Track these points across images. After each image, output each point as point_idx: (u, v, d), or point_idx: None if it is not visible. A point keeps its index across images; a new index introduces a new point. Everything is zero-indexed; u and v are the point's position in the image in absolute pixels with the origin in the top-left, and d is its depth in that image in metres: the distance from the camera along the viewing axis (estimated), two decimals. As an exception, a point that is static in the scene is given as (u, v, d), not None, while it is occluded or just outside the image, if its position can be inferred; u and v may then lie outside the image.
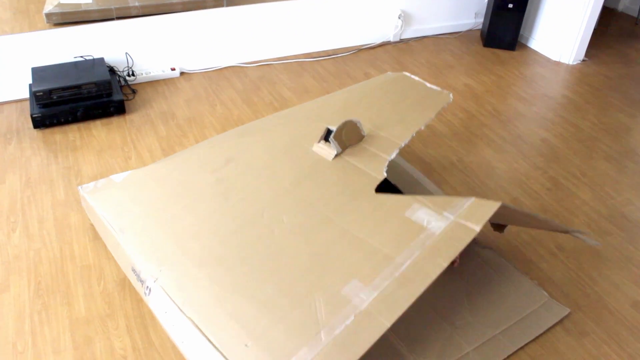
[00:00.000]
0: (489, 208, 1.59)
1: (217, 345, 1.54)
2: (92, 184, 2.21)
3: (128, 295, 1.94)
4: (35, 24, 2.92)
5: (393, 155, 1.90)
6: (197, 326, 1.59)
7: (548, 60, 3.81)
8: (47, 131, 2.79)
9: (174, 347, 1.78)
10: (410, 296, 1.47)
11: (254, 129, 2.27)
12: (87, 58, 3.06)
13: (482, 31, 4.09)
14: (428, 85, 2.23)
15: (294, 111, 2.33)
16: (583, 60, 3.81)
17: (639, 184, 2.61)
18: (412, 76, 2.30)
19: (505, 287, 2.01)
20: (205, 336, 1.57)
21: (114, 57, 3.18)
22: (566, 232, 1.90)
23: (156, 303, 1.72)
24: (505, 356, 1.79)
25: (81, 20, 3.00)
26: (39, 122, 2.77)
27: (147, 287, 1.76)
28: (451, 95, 2.12)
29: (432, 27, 4.07)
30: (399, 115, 2.09)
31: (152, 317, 1.86)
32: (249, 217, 1.83)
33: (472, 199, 1.64)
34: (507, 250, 2.20)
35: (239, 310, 1.58)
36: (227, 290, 1.64)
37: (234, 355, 1.50)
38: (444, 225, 1.61)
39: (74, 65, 2.96)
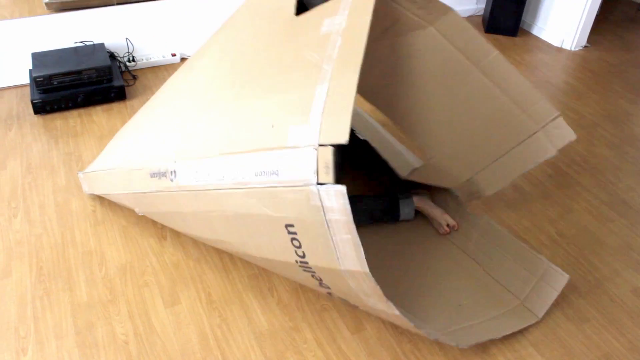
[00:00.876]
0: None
1: (253, 148, 1.52)
2: (88, 167, 2.22)
3: (129, 281, 1.95)
4: (35, 9, 2.90)
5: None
6: (227, 153, 1.58)
7: (550, 46, 3.79)
8: (48, 117, 2.78)
9: (175, 332, 1.79)
10: None
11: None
12: (88, 43, 3.05)
13: (483, 17, 4.06)
14: None
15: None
16: (585, 47, 3.80)
17: (640, 171, 2.61)
18: None
19: (506, 259, 2.02)
20: (240, 152, 1.55)
21: (115, 42, 3.16)
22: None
23: (185, 176, 1.71)
24: (512, 331, 1.81)
25: (81, 7, 2.98)
26: (40, 108, 2.76)
27: (172, 172, 1.76)
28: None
29: (434, 12, 4.04)
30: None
31: (154, 303, 1.87)
32: (220, 58, 1.82)
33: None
34: (508, 237, 2.21)
35: (250, 113, 1.56)
36: (232, 110, 1.63)
37: (270, 142, 1.48)
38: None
39: (74, 50, 2.95)
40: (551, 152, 1.97)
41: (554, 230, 2.25)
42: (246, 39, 1.80)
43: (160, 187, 1.84)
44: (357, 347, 1.77)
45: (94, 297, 1.89)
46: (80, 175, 2.20)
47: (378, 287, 1.44)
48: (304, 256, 1.51)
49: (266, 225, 1.54)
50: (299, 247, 1.50)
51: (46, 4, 2.90)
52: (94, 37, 3.09)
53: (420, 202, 2.17)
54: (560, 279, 1.92)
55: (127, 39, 3.17)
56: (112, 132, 2.68)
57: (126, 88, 3.02)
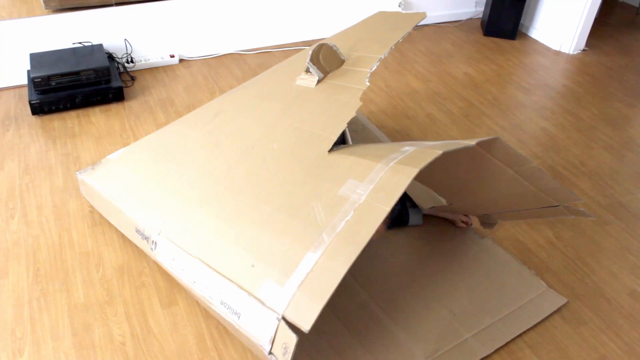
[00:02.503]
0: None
1: (225, 274, 1.57)
2: (89, 167, 2.21)
3: (127, 282, 1.94)
4: (34, 9, 2.90)
5: (374, 67, 1.94)
6: (205, 262, 1.62)
7: (548, 49, 3.80)
8: (46, 118, 2.78)
9: (172, 333, 1.78)
10: (406, 179, 1.45)
11: (240, 86, 2.31)
12: (86, 44, 3.04)
13: (482, 20, 4.07)
14: (403, 12, 2.27)
15: (278, 66, 2.35)
16: (583, 50, 3.80)
17: (638, 174, 2.61)
18: (388, 11, 2.34)
19: (504, 276, 2.02)
20: (214, 269, 1.60)
21: (113, 43, 3.16)
22: (556, 205, 1.85)
23: (163, 254, 1.75)
24: (503, 343, 1.80)
25: (80, 6, 2.98)
26: (38, 109, 2.76)
27: (153, 241, 1.79)
28: (426, 13, 2.16)
29: (433, 15, 4.05)
30: (375, 38, 2.13)
31: (151, 304, 1.87)
32: (241, 154, 1.86)
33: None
34: (506, 239, 2.21)
35: (241, 236, 1.61)
36: (227, 222, 1.67)
37: (243, 279, 1.53)
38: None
39: (73, 51, 2.95)
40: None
41: (551, 232, 2.25)
42: (270, 149, 1.83)
43: (142, 246, 1.90)
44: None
45: (91, 298, 1.89)
46: (79, 175, 2.19)
47: None
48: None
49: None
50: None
51: (45, 1, 2.89)
52: (92, 38, 3.09)
53: (431, 209, 2.20)
54: (557, 301, 1.95)
55: (125, 40, 3.17)
56: (110, 133, 2.68)
57: (124, 89, 3.02)
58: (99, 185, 2.09)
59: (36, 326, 1.79)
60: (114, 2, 3.03)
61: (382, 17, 2.31)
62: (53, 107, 2.78)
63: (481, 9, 4.21)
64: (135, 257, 2.04)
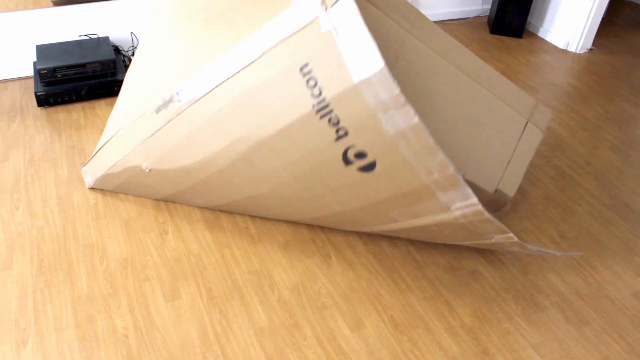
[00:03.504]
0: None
1: (254, 30, 1.58)
2: (89, 159, 2.23)
3: (130, 275, 1.95)
4: (40, 1, 2.90)
5: None
6: (229, 48, 1.64)
7: (555, 48, 3.78)
8: (51, 109, 2.78)
9: (175, 326, 1.79)
10: None
11: None
12: (92, 37, 3.05)
13: (489, 18, 4.05)
14: None
15: None
16: (590, 49, 3.79)
17: (643, 175, 2.61)
18: None
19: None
20: (240, 42, 1.61)
21: (119, 36, 3.16)
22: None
23: (192, 89, 1.75)
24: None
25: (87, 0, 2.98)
26: (43, 101, 2.76)
27: (177, 92, 1.80)
28: None
29: (439, 12, 4.04)
30: None
31: (154, 297, 1.87)
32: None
33: None
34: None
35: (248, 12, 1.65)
36: (229, 19, 1.70)
37: (273, 15, 1.54)
38: None
39: (79, 43, 2.95)
40: (540, 134, 2.12)
41: (555, 232, 2.25)
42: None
43: (169, 116, 1.84)
44: (357, 345, 1.77)
45: (95, 290, 1.89)
46: (83, 169, 2.20)
47: (400, 94, 1.37)
48: (320, 94, 1.47)
49: (281, 81, 1.53)
50: (315, 85, 1.47)
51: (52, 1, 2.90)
52: (98, 31, 3.09)
53: None
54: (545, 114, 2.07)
55: (131, 33, 3.17)
56: (115, 126, 2.69)
57: (130, 82, 3.02)
58: (100, 143, 2.12)
59: (40, 317, 1.80)
60: (120, -5, 3.03)
61: None
62: (59, 99, 2.79)
63: (488, 6, 4.20)
64: (139, 250, 2.04)
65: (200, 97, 1.72)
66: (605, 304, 1.97)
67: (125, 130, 2.02)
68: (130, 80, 2.06)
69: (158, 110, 1.86)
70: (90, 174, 2.26)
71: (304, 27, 1.44)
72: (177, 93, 1.78)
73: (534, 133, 2.10)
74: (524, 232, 2.23)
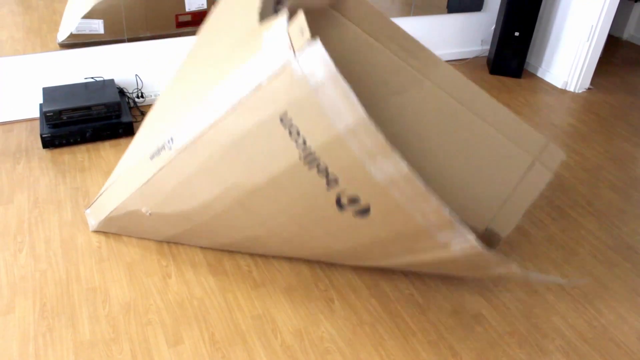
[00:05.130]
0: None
1: (231, 69, 1.62)
2: (93, 201, 2.25)
3: (133, 319, 1.94)
4: (47, 44, 2.95)
5: None
6: (210, 90, 1.66)
7: (554, 88, 3.83)
8: (56, 151, 2.81)
9: (178, 372, 1.78)
10: None
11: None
12: (98, 79, 3.09)
13: (488, 58, 4.11)
14: None
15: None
16: (589, 89, 3.83)
17: (644, 215, 2.62)
18: None
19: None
20: (219, 82, 1.64)
21: (124, 78, 3.21)
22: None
23: (181, 137, 1.78)
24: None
25: (93, 41, 3.03)
26: (48, 142, 2.79)
27: (169, 140, 1.82)
28: None
29: (439, 53, 4.10)
30: None
31: (157, 342, 1.86)
32: (205, 47, 1.93)
33: None
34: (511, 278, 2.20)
35: (224, 58, 1.70)
36: (209, 70, 1.74)
37: (246, 55, 1.57)
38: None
39: (85, 86, 2.99)
40: (548, 176, 2.07)
41: (558, 273, 2.25)
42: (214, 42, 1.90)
43: (162, 162, 1.86)
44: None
45: (97, 335, 1.89)
46: (87, 211, 2.22)
47: (386, 143, 1.35)
48: (304, 143, 1.47)
49: (264, 132, 1.52)
50: (298, 134, 1.46)
51: (60, 44, 2.95)
52: (104, 73, 3.14)
53: None
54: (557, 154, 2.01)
55: (136, 75, 3.22)
56: (119, 168, 2.71)
57: (134, 124, 3.05)
58: (103, 188, 2.15)
59: (41, 363, 1.79)
60: (126, 38, 3.09)
61: None
62: (64, 141, 2.82)
63: (487, 47, 4.26)
64: (142, 294, 2.04)
65: (188, 145, 1.76)
66: (611, 347, 1.96)
67: (124, 176, 2.04)
68: (142, 125, 2.11)
69: (152, 157, 1.89)
70: (94, 216, 2.27)
71: (277, 74, 1.43)
72: (169, 141, 1.81)
73: (540, 173, 2.08)
74: (527, 274, 2.23)
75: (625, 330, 2.03)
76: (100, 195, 2.21)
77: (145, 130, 2.02)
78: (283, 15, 1.46)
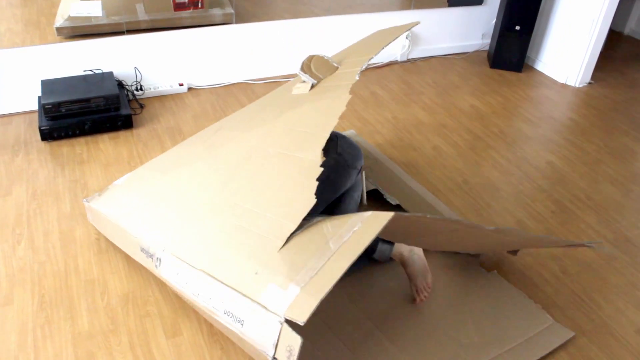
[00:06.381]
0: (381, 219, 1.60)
1: (228, 283, 1.59)
2: (95, 194, 2.23)
3: (131, 311, 1.94)
4: (46, 36, 2.95)
5: (364, 66, 1.94)
6: (208, 274, 1.64)
7: (554, 82, 3.82)
8: (55, 144, 2.80)
9: (176, 364, 1.78)
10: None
11: (243, 110, 2.35)
12: (97, 72, 3.08)
13: (489, 52, 4.10)
14: (400, 25, 2.28)
15: (279, 91, 2.39)
16: (589, 83, 3.83)
17: (644, 209, 2.61)
18: (385, 28, 2.34)
19: (510, 308, 2.01)
20: (217, 279, 1.62)
21: (123, 71, 3.20)
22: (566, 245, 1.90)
23: (167, 270, 1.77)
24: None
25: (91, 33, 3.03)
26: (47, 135, 2.79)
27: (158, 258, 1.81)
28: (419, 21, 2.18)
29: (440, 47, 4.09)
30: (368, 46, 2.13)
31: (155, 334, 1.86)
32: (239, 163, 1.90)
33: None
34: (511, 274, 2.20)
35: (247, 247, 1.63)
36: (230, 234, 1.69)
37: (247, 286, 1.55)
38: None
39: (83, 78, 2.98)
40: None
41: (557, 267, 2.24)
42: (266, 155, 1.87)
43: (147, 265, 1.91)
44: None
45: (96, 326, 1.89)
46: (86, 203, 2.21)
47: None
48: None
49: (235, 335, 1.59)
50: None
51: (57, 28, 2.94)
52: (103, 66, 3.13)
53: (405, 251, 2.00)
54: (564, 334, 1.94)
55: (135, 68, 3.21)
56: (118, 161, 2.70)
57: (133, 117, 3.05)
58: (105, 209, 2.11)
59: (40, 354, 1.79)
60: (125, 30, 3.08)
61: (378, 33, 2.35)
62: (62, 134, 2.81)
63: (488, 41, 4.25)
64: (141, 285, 2.04)
65: (172, 284, 1.79)
66: (609, 340, 1.96)
67: (119, 228, 2.03)
68: (148, 178, 2.12)
69: (142, 250, 1.92)
70: (90, 214, 2.25)
71: (255, 346, 1.50)
72: (157, 260, 1.83)
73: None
74: (526, 268, 2.22)
75: (624, 323, 2.02)
76: (98, 209, 2.16)
77: (151, 200, 2.01)
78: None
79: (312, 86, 2.00)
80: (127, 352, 1.81)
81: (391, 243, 2.03)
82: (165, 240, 1.83)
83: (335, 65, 2.07)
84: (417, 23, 2.16)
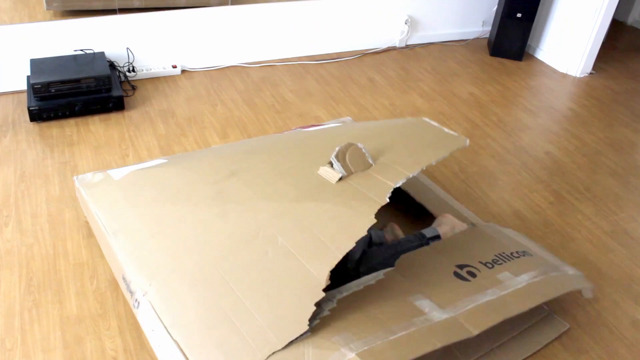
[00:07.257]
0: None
1: None
2: (89, 175, 2.15)
3: (121, 296, 1.90)
4: (35, 14, 2.88)
5: (399, 183, 1.85)
6: (182, 351, 1.54)
7: (555, 71, 3.78)
8: (44, 125, 2.75)
9: (165, 351, 1.74)
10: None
11: (263, 146, 2.21)
12: (88, 52, 3.02)
13: (489, 40, 4.05)
14: (446, 130, 2.19)
15: (306, 136, 2.29)
16: (590, 73, 3.78)
17: (642, 201, 2.59)
18: (431, 121, 2.25)
19: None
20: None
21: (115, 51, 3.14)
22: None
23: (144, 318, 1.67)
24: None
25: (82, 9, 2.96)
26: (36, 115, 2.73)
27: (136, 299, 1.71)
28: (467, 140, 2.07)
29: (439, 33, 4.04)
30: (411, 151, 2.04)
31: (144, 319, 1.83)
32: (244, 236, 1.77)
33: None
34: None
35: (226, 342, 1.53)
36: (216, 317, 1.59)
37: None
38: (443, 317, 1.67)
39: (74, 58, 2.92)
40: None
41: (554, 258, 2.22)
42: (274, 243, 1.77)
43: (125, 295, 1.83)
44: None
45: (84, 310, 1.85)
46: (76, 181, 2.14)
47: None
48: None
49: None
50: None
51: (47, 1, 2.86)
52: (94, 46, 3.07)
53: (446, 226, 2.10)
54: (559, 326, 1.92)
55: (127, 48, 3.15)
56: (109, 143, 2.65)
57: (125, 98, 2.99)
58: (95, 206, 2.02)
59: (27, 337, 1.75)
60: (117, 8, 3.01)
61: (422, 127, 2.22)
62: (52, 114, 2.76)
63: (488, 28, 4.20)
64: (130, 270, 2.00)
65: (148, 332, 1.70)
66: (604, 332, 1.93)
67: (106, 241, 1.94)
68: (154, 199, 2.01)
69: (123, 279, 1.82)
70: (80, 197, 2.19)
71: None
72: (136, 301, 1.73)
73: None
74: (522, 258, 2.20)
75: (619, 315, 2.00)
76: (89, 201, 2.07)
77: (147, 226, 1.91)
78: None
79: (340, 178, 1.93)
80: (116, 336, 1.77)
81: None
82: (149, 286, 1.72)
83: (370, 162, 1.98)
84: (465, 143, 2.07)
